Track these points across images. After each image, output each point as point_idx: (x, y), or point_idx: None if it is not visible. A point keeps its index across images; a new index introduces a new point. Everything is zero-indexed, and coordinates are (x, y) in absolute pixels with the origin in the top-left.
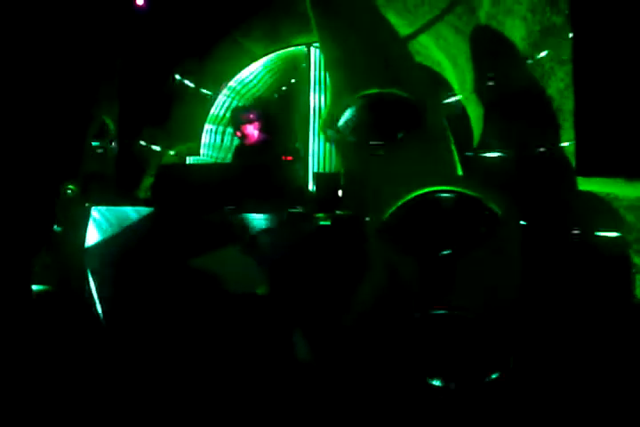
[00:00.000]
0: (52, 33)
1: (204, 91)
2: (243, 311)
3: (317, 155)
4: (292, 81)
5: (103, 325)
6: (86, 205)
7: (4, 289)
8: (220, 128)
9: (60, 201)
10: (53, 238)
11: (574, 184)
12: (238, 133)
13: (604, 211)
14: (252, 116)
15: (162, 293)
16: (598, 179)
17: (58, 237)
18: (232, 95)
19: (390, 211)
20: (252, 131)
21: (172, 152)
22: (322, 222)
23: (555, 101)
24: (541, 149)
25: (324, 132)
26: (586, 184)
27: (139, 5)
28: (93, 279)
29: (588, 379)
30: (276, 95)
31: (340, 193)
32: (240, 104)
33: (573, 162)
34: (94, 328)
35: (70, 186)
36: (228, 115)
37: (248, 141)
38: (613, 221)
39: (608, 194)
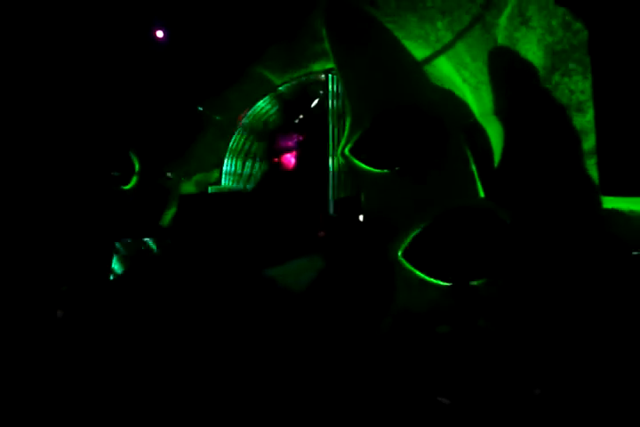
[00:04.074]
0: (76, 69)
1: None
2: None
3: (338, 179)
4: (312, 105)
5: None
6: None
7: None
8: (241, 157)
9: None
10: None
11: (599, 202)
12: (275, 160)
13: (628, 227)
14: (290, 144)
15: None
16: (622, 198)
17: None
18: (251, 124)
19: (413, 234)
20: (290, 158)
21: (192, 182)
22: (344, 246)
23: (575, 121)
24: (563, 168)
25: (344, 158)
26: (611, 202)
27: (159, 38)
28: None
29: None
30: (297, 120)
31: (360, 217)
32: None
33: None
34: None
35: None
36: (248, 144)
37: (284, 168)
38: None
39: (632, 211)
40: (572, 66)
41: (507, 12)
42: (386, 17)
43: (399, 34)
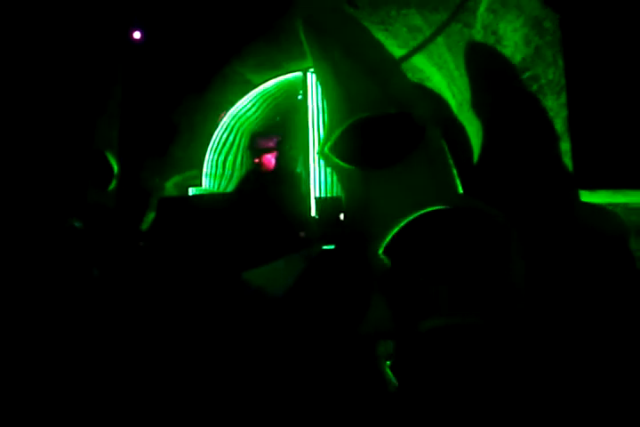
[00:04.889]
0: (51, 71)
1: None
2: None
3: (318, 179)
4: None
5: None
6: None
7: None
8: (221, 157)
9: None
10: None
11: (577, 196)
12: (256, 160)
13: (606, 218)
14: (271, 144)
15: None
16: (600, 191)
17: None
18: (231, 124)
19: (393, 232)
20: (271, 159)
21: (172, 183)
22: (325, 247)
23: (550, 116)
24: (541, 163)
25: (323, 157)
26: (588, 196)
27: (136, 39)
28: None
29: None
30: (277, 118)
31: (341, 217)
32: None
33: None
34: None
35: (74, 220)
36: (229, 145)
37: (265, 168)
38: (616, 227)
39: (610, 203)
40: (547, 61)
41: (477, 29)
42: (378, 24)
43: (393, 42)
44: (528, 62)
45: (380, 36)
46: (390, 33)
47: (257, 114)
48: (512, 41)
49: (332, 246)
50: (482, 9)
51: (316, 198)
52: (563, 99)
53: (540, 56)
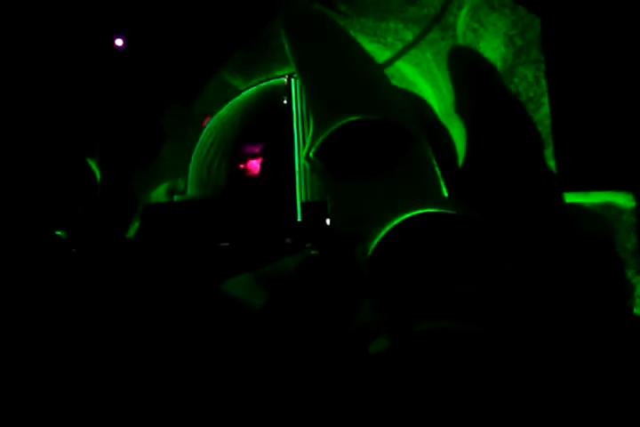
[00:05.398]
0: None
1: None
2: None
3: (303, 184)
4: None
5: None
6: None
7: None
8: (206, 163)
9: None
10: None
11: (561, 197)
12: (241, 166)
13: (587, 218)
14: (256, 150)
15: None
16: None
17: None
18: (216, 130)
19: (379, 236)
20: (256, 165)
21: (161, 190)
22: (312, 252)
23: (535, 118)
24: (525, 166)
25: (308, 162)
26: (572, 197)
27: (118, 46)
28: None
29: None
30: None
31: (327, 221)
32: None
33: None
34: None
35: (58, 231)
36: (213, 151)
37: (250, 174)
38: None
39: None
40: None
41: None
42: (371, 36)
43: (388, 54)
44: (507, 80)
45: (373, 46)
46: (385, 46)
47: (241, 119)
48: (492, 59)
49: (318, 251)
50: (461, 24)
51: (301, 203)
52: (539, 115)
53: (517, 74)
